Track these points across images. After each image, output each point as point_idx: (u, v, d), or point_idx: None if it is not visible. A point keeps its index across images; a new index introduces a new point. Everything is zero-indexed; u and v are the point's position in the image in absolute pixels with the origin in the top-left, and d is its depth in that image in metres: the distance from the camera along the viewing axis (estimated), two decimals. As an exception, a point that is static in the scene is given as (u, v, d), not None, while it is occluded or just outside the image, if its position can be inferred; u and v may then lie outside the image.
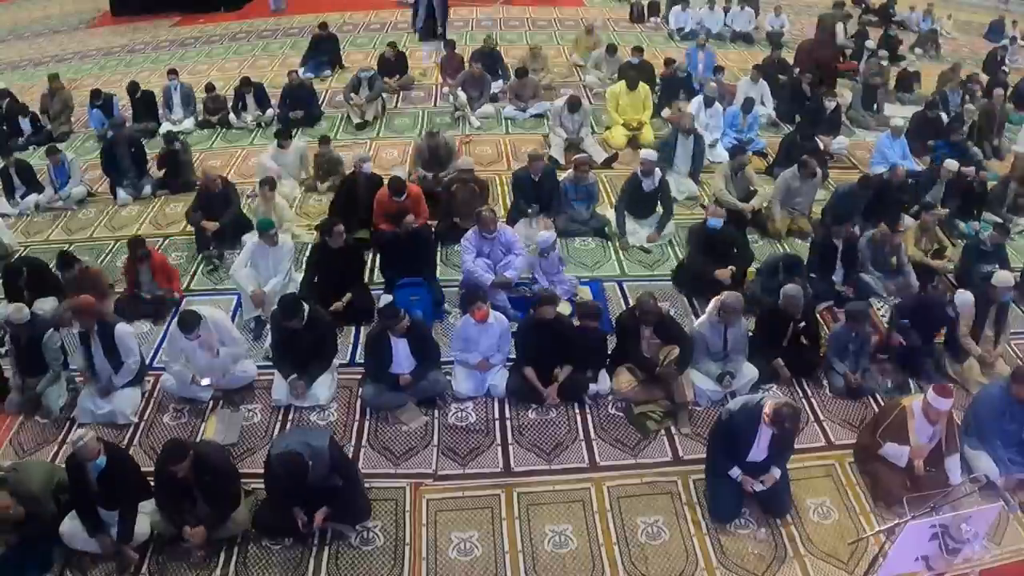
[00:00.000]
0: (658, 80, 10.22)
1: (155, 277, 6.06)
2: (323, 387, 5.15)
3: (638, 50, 10.41)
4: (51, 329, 5.16)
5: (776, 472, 4.29)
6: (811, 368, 5.39)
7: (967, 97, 10.22)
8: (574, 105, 8.62)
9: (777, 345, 5.33)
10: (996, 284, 5.40)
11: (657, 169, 6.92)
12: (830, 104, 8.92)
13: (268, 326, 5.67)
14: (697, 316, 5.84)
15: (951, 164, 7.37)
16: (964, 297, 5.43)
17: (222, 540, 4.18)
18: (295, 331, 5.04)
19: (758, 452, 4.26)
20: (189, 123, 9.79)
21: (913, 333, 5.39)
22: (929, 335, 5.48)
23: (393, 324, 4.87)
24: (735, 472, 4.28)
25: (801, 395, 5.32)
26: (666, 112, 9.72)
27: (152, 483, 4.19)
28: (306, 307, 5.04)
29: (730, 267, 5.96)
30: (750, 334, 5.37)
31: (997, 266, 6.31)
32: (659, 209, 7.03)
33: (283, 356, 5.19)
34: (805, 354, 5.39)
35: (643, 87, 9.22)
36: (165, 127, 9.42)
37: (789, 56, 11.41)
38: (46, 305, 5.88)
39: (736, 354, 5.20)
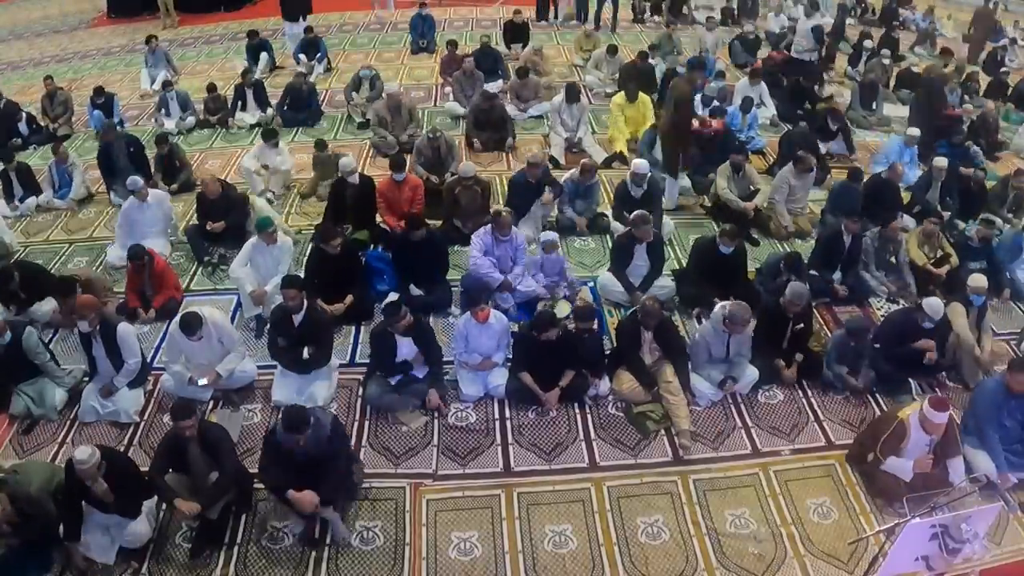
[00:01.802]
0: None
1: (156, 283, 6.03)
2: (322, 387, 5.15)
3: (643, 54, 10.38)
4: (27, 327, 5.12)
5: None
6: (811, 368, 5.37)
7: (966, 97, 10.20)
8: (572, 94, 8.61)
9: (777, 345, 5.33)
10: (969, 284, 5.37)
11: (649, 173, 6.93)
12: (834, 125, 8.82)
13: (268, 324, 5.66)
14: (699, 323, 5.81)
15: (940, 161, 7.33)
16: (933, 303, 5.12)
17: (222, 541, 4.21)
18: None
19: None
20: (190, 121, 9.72)
21: (888, 365, 5.23)
22: (911, 353, 5.21)
23: (395, 322, 4.88)
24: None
25: (801, 395, 5.32)
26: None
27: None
28: (305, 303, 5.07)
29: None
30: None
31: (985, 263, 6.31)
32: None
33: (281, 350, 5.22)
34: (805, 354, 5.36)
35: (643, 98, 8.98)
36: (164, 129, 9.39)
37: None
38: (44, 307, 5.89)
39: (739, 358, 5.20)
